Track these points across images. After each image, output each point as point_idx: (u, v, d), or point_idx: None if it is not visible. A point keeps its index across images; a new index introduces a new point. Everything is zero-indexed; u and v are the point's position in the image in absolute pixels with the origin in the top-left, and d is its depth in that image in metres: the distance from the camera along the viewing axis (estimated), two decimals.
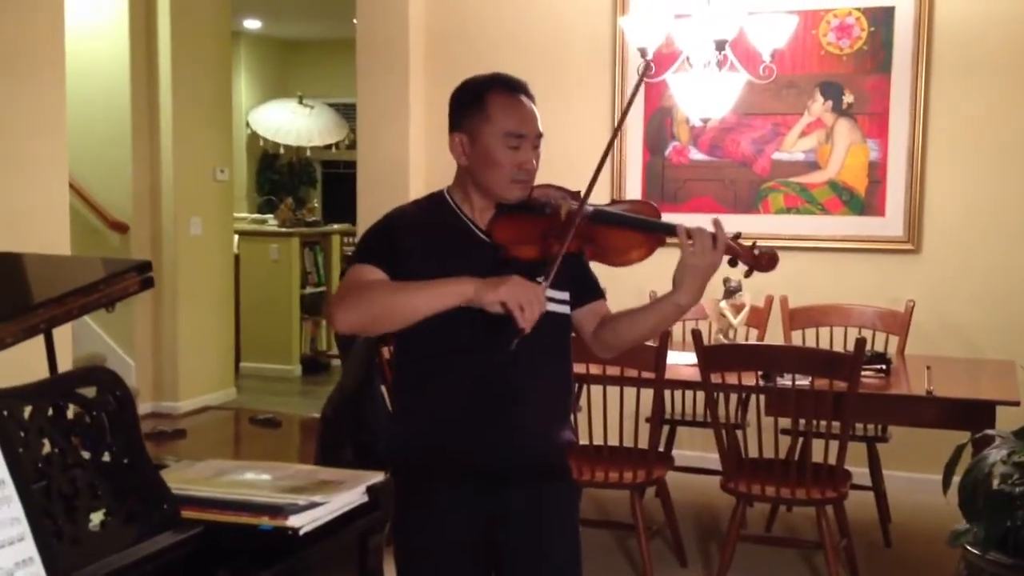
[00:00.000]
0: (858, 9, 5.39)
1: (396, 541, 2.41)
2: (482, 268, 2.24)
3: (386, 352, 4.39)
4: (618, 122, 2.35)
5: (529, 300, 2.10)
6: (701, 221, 2.32)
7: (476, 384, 2.29)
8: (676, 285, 2.26)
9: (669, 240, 2.29)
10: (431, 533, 2.35)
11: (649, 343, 3.81)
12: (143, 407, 6.95)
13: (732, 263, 2.30)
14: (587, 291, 2.45)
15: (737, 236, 2.29)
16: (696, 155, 5.71)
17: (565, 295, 2.38)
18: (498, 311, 2.12)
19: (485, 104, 2.29)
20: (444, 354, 2.29)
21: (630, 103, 2.48)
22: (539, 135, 2.32)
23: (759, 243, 2.33)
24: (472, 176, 2.33)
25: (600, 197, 2.43)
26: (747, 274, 2.32)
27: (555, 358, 2.39)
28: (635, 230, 2.31)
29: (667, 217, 2.36)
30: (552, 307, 2.29)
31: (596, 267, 2.45)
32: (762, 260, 2.29)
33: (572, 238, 2.24)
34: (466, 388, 2.29)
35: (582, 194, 2.34)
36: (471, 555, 2.36)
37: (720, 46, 4.48)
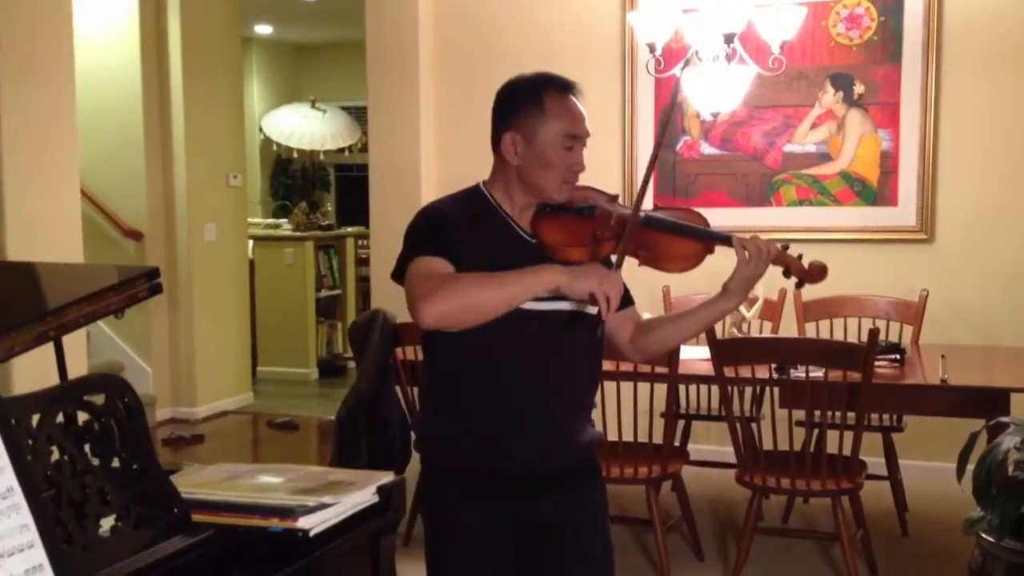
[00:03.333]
0: None
1: (429, 547, 2.39)
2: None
3: (400, 354, 4.41)
4: (656, 143, 2.34)
5: (615, 292, 2.11)
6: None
7: (516, 388, 2.27)
8: (728, 292, 2.31)
9: (718, 248, 2.31)
10: (466, 538, 2.33)
11: None
12: (161, 413, 7.00)
13: (786, 274, 2.35)
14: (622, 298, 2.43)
15: (786, 248, 2.32)
16: (707, 149, 5.70)
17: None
18: (583, 299, 2.13)
19: (543, 104, 2.25)
20: (481, 357, 2.26)
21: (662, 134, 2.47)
22: (588, 135, 2.30)
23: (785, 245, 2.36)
24: (521, 175, 2.28)
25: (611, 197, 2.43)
26: (798, 285, 2.37)
27: (590, 359, 2.38)
28: (690, 238, 2.32)
29: None
30: (588, 308, 2.28)
31: None
32: (813, 272, 2.33)
33: (628, 243, 2.24)
34: (506, 392, 2.27)
35: (620, 198, 2.34)
36: (506, 557, 2.34)
37: (729, 39, 4.47)
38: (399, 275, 2.27)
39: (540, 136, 2.24)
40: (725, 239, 2.30)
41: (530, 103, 2.26)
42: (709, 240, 2.32)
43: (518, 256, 2.24)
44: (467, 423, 2.31)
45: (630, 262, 2.29)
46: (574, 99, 2.29)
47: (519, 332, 2.20)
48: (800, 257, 2.34)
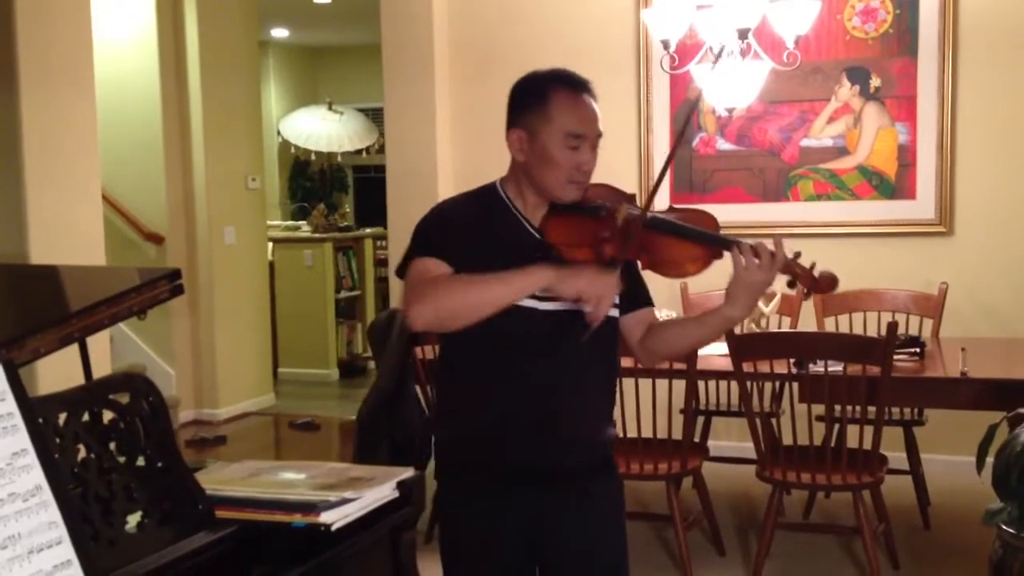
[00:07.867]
0: None
1: (443, 542, 2.42)
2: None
3: (419, 352, 4.43)
4: (672, 145, 2.22)
5: (606, 294, 2.10)
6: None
7: (528, 385, 2.28)
8: (730, 299, 2.20)
9: (727, 254, 2.20)
10: (479, 533, 2.36)
11: None
12: (184, 415, 7.05)
13: (791, 284, 2.20)
14: (637, 298, 2.40)
15: (797, 256, 2.19)
16: (723, 145, 5.70)
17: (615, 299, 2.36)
18: (571, 300, 2.10)
19: (547, 102, 2.22)
20: (497, 355, 2.27)
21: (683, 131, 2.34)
22: (599, 135, 2.26)
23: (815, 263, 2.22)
24: (528, 173, 2.28)
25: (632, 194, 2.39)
26: (805, 296, 2.24)
27: (603, 359, 2.37)
28: (693, 242, 2.23)
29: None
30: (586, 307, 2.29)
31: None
32: (822, 283, 2.19)
33: (631, 245, 2.19)
34: (518, 389, 2.27)
35: (638, 199, 2.29)
36: (518, 555, 2.37)
37: (743, 35, 4.48)
38: (402, 272, 2.29)
39: (543, 135, 2.22)
40: (726, 243, 2.19)
41: (536, 101, 2.24)
42: (713, 245, 2.21)
43: (522, 252, 2.23)
44: (475, 417, 2.33)
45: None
46: (585, 98, 2.25)
47: (526, 331, 2.22)
48: (812, 266, 2.19)
